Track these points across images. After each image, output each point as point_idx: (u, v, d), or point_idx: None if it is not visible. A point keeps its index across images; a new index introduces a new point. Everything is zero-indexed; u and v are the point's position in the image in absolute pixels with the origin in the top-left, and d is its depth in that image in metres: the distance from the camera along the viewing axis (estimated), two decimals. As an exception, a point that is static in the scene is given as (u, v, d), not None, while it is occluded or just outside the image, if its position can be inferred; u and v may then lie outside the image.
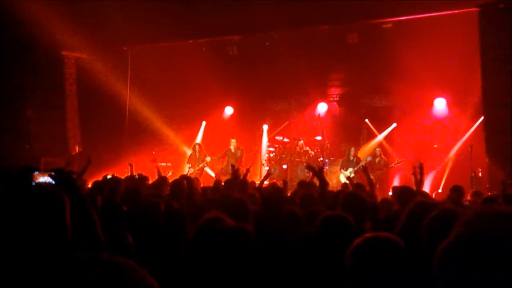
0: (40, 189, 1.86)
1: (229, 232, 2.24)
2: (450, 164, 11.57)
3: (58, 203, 1.79)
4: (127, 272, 1.03)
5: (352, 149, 11.78)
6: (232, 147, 12.33)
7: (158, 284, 1.07)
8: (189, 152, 13.04)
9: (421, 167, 6.07)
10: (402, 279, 1.96)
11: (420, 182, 5.86)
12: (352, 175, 11.35)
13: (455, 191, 6.39)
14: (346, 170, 11.59)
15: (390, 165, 11.49)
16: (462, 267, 1.03)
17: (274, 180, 10.02)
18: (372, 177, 11.24)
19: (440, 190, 10.53)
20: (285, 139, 13.19)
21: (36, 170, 3.43)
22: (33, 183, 3.65)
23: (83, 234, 1.97)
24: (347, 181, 9.51)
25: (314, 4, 10.59)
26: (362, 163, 11.42)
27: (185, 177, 5.83)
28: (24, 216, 1.73)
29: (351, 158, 11.70)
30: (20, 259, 1.56)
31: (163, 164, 13.02)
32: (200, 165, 12.25)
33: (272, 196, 4.59)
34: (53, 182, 2.55)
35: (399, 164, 11.41)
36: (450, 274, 1.06)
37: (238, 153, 12.21)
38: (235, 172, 6.27)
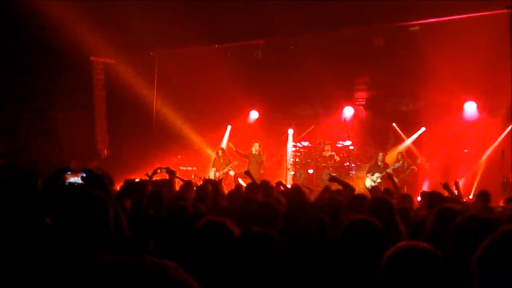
0: (89, 194, 1.95)
1: (255, 237, 2.23)
2: (481, 170, 11.30)
3: (104, 208, 1.91)
4: (170, 271, 1.07)
5: (380, 154, 11.65)
6: (253, 149, 12.37)
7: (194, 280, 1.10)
8: (214, 156, 13.14)
9: (456, 185, 6.05)
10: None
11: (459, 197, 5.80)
12: (379, 180, 11.22)
13: (481, 197, 6.25)
14: (373, 175, 11.46)
15: (412, 166, 11.35)
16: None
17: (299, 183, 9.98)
18: (396, 180, 11.21)
19: (471, 196, 10.27)
20: (304, 143, 13.13)
21: (70, 171, 3.53)
22: (66, 183, 3.76)
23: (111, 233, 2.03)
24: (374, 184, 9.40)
25: (339, 7, 10.52)
26: (390, 169, 11.30)
27: (210, 181, 5.86)
28: (75, 218, 1.83)
29: (379, 163, 11.56)
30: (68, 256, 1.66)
31: (189, 168, 13.16)
32: (225, 169, 12.32)
33: (296, 200, 4.55)
34: (83, 182, 2.62)
35: (421, 162, 11.32)
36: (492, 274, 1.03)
37: (262, 157, 12.24)
38: (252, 177, 6.31)
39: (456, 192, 6.11)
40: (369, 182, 11.46)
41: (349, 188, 5.70)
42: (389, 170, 11.28)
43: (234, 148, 12.54)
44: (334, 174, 7.29)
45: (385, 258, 2.00)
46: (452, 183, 6.11)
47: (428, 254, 1.95)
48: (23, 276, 1.60)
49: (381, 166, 11.51)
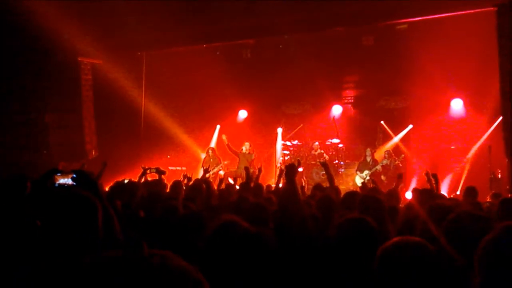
0: (76, 195, 1.95)
1: (250, 236, 2.23)
2: (468, 166, 11.42)
3: (92, 209, 1.90)
4: (171, 260, 1.07)
5: (369, 150, 11.75)
6: (243, 148, 12.35)
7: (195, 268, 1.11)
8: (203, 156, 13.11)
9: (427, 175, 6.12)
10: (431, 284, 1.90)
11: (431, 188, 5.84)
12: (368, 177, 11.29)
13: (469, 193, 6.31)
14: (362, 172, 11.53)
15: (396, 162, 11.45)
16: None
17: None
18: (383, 178, 11.30)
19: (458, 192, 10.38)
20: (294, 142, 13.17)
21: (59, 172, 3.50)
22: (56, 185, 3.73)
23: (103, 233, 2.02)
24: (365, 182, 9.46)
25: (328, 7, 10.54)
26: (379, 165, 11.38)
27: (203, 181, 5.84)
28: (62, 220, 1.82)
29: (368, 160, 11.65)
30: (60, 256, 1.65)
31: (178, 168, 13.10)
32: (215, 169, 12.28)
33: (288, 199, 4.55)
34: (74, 183, 2.60)
35: (404, 158, 11.47)
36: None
37: (252, 156, 12.22)
38: (249, 175, 6.30)
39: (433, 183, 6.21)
40: (359, 179, 11.53)
41: (332, 185, 5.73)
42: (378, 167, 11.36)
43: (226, 142, 12.47)
44: (323, 173, 7.31)
45: (379, 252, 2.01)
46: (424, 174, 6.18)
47: (421, 248, 1.96)
48: (23, 276, 1.60)
49: (370, 163, 11.60)
